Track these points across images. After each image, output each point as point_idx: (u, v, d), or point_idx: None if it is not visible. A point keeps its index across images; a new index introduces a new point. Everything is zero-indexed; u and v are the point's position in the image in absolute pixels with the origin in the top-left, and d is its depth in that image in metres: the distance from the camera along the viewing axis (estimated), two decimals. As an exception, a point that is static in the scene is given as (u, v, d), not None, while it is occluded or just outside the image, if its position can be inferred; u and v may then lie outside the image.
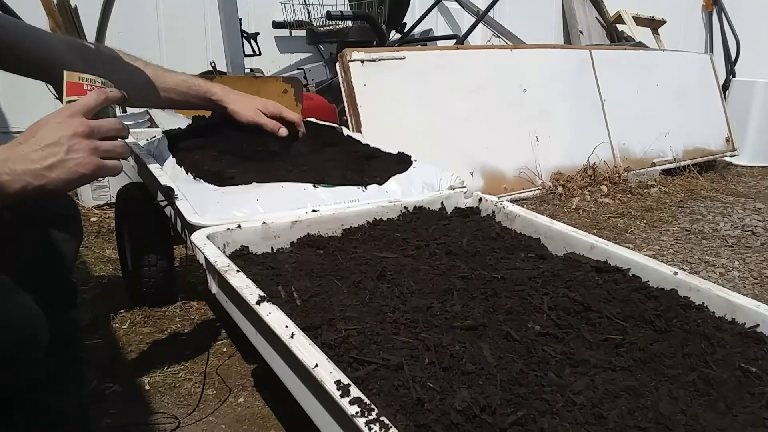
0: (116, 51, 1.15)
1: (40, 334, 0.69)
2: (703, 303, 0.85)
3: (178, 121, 1.49)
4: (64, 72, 0.88)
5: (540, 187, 2.50)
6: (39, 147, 0.73)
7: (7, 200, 0.71)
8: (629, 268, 0.93)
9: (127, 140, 0.86)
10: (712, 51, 4.41)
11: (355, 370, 0.67)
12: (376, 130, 2.06)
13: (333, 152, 1.30)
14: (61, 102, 0.84)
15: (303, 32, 3.04)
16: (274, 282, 0.86)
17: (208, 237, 0.93)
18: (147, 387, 1.17)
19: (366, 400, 0.57)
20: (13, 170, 0.70)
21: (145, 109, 2.11)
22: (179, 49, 2.72)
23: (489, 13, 3.20)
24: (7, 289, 0.67)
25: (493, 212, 1.18)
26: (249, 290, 0.77)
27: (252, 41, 2.85)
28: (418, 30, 3.23)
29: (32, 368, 0.70)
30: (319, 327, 0.74)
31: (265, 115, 1.26)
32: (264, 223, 1.00)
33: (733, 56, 4.21)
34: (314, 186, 1.13)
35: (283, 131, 1.26)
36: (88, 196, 2.20)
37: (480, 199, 1.21)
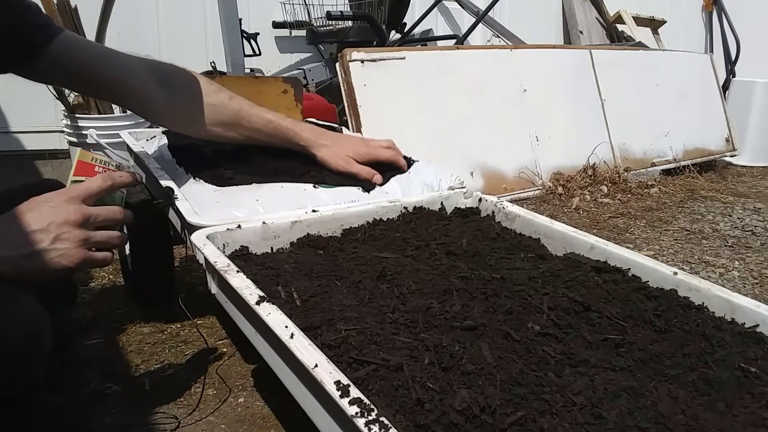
0: (201, 81, 1.09)
1: (45, 335, 0.69)
2: (703, 303, 0.85)
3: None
4: (78, 150, 0.85)
5: (540, 187, 2.50)
6: (24, 231, 0.68)
7: None
8: (629, 268, 0.93)
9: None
10: (712, 51, 4.41)
11: (355, 370, 0.67)
12: (376, 130, 2.06)
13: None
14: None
15: (303, 32, 3.04)
16: (273, 282, 0.86)
17: (208, 237, 0.93)
18: (147, 387, 1.17)
19: (366, 400, 0.57)
20: None
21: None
22: (179, 49, 2.72)
23: (489, 13, 3.20)
24: (12, 292, 0.67)
25: (493, 212, 1.18)
26: (249, 290, 0.77)
27: (252, 41, 2.85)
28: (418, 30, 3.23)
29: (36, 368, 0.70)
30: (318, 327, 0.74)
31: (357, 161, 1.18)
32: (264, 223, 1.00)
33: (733, 56, 4.21)
34: (314, 186, 1.13)
35: (378, 178, 1.17)
36: (88, 196, 2.20)
37: (480, 199, 1.21)
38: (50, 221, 0.70)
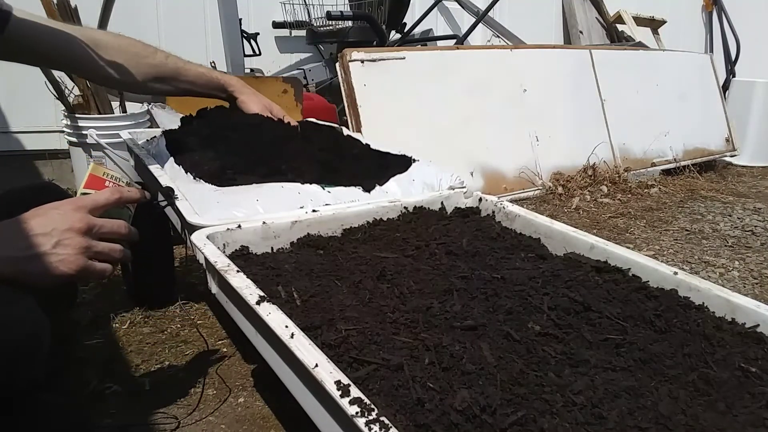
0: (138, 44, 1.19)
1: (43, 336, 0.69)
2: (703, 303, 0.85)
3: (179, 121, 1.49)
4: (91, 163, 0.86)
5: (540, 187, 2.50)
6: (28, 234, 0.69)
7: None
8: (629, 268, 0.93)
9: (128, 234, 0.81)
10: (712, 51, 4.41)
11: (355, 370, 0.67)
12: (376, 130, 2.06)
13: (333, 153, 1.30)
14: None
15: (303, 32, 3.04)
16: (274, 282, 0.86)
17: (208, 237, 0.92)
18: (147, 387, 1.17)
19: (366, 400, 0.57)
20: None
21: (146, 108, 2.11)
22: (179, 49, 2.70)
23: (489, 13, 3.20)
24: (11, 293, 0.67)
25: (493, 212, 1.18)
26: (249, 290, 0.77)
27: (252, 41, 2.85)
28: (418, 30, 3.23)
29: (35, 369, 0.70)
30: (319, 327, 0.74)
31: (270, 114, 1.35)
32: (264, 223, 1.00)
33: (733, 56, 4.21)
34: (312, 185, 1.13)
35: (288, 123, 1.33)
36: (88, 196, 2.20)
37: (480, 199, 1.21)
38: (54, 226, 0.71)
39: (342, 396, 0.57)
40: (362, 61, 2.16)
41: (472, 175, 2.33)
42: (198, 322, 1.43)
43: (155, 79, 1.22)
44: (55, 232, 0.71)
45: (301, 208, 1.06)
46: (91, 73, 1.18)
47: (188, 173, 1.14)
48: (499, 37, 3.34)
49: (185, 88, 1.28)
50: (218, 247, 0.91)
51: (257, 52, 2.87)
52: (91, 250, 0.74)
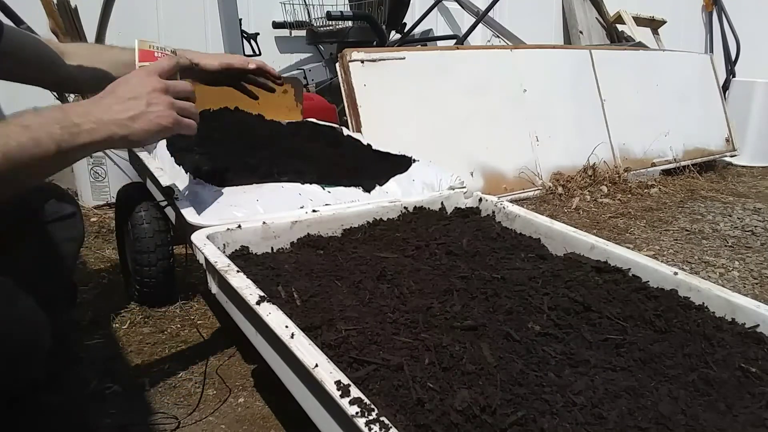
0: (94, 46, 1.14)
1: (43, 337, 0.69)
2: (703, 303, 0.85)
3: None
4: (136, 40, 0.92)
5: (540, 187, 2.50)
6: (120, 100, 0.77)
7: (93, 149, 0.75)
8: (629, 268, 0.93)
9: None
10: (712, 51, 4.41)
11: (355, 370, 0.67)
12: (376, 130, 2.06)
13: (333, 153, 1.30)
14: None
15: (303, 32, 3.04)
16: (274, 282, 0.86)
17: (208, 237, 0.93)
18: (147, 387, 1.17)
19: (366, 400, 0.57)
20: (99, 119, 0.74)
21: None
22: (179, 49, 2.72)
23: (489, 13, 3.20)
24: (11, 293, 0.67)
25: (493, 212, 1.18)
26: (249, 290, 0.77)
27: (252, 41, 2.85)
28: (418, 30, 3.23)
29: (35, 370, 0.70)
30: (319, 327, 0.74)
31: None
32: (264, 223, 1.00)
33: (733, 56, 4.22)
34: (312, 185, 1.13)
35: (253, 65, 1.22)
36: (88, 196, 2.20)
37: (480, 199, 1.21)
38: (139, 90, 0.79)
39: (342, 396, 0.57)
40: (362, 61, 2.16)
41: (472, 175, 2.33)
42: (198, 322, 1.43)
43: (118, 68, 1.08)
44: (142, 94, 0.78)
45: (301, 208, 1.06)
46: (68, 87, 1.12)
47: (188, 173, 1.14)
48: (499, 37, 3.34)
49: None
50: (218, 247, 0.91)
51: (257, 52, 2.87)
52: (176, 105, 0.81)
